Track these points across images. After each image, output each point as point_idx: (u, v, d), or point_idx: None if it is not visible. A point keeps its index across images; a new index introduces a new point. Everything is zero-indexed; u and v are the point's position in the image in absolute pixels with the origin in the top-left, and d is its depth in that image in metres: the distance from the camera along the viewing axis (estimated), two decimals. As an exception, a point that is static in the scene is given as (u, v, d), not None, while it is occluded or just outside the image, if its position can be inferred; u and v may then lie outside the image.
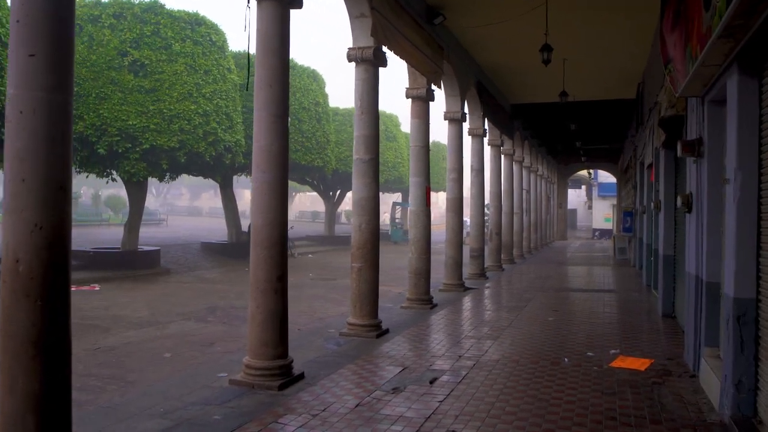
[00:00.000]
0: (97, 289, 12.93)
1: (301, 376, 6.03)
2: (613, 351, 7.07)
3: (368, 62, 8.31)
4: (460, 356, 6.92)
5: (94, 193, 37.38)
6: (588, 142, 25.44)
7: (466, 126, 14.27)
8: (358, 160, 8.34)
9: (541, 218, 29.96)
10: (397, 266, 19.06)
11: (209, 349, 7.95)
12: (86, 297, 11.90)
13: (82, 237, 23.85)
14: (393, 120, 27.27)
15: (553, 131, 25.18)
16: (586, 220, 56.44)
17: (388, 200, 55.25)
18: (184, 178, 59.68)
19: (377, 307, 8.40)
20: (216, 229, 30.71)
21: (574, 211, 56.66)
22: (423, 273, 10.73)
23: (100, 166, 13.50)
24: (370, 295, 8.26)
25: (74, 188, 44.06)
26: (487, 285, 14.22)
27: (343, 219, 48.76)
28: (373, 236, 8.32)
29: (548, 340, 7.78)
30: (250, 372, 5.79)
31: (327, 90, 20.98)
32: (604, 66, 15.26)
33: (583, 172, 44.72)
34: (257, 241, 5.85)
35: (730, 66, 4.75)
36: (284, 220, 5.94)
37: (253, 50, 6.08)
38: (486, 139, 16.45)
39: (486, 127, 15.81)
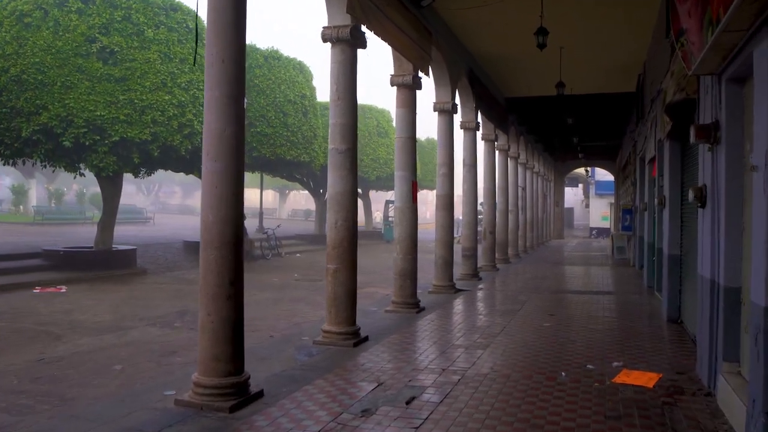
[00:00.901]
0: (63, 291, 12.14)
1: (260, 395, 5.26)
2: (615, 363, 6.30)
3: (345, 42, 7.53)
4: (444, 369, 6.15)
5: (79, 191, 36.56)
6: (585, 138, 24.69)
7: (457, 119, 13.51)
8: (333, 150, 7.56)
9: (537, 217, 29.23)
10: (388, 266, 18.23)
11: (167, 360, 7.16)
12: (49, 300, 11.11)
13: (63, 235, 23.03)
14: (385, 115, 26.53)
15: (550, 127, 24.41)
16: (583, 218, 55.82)
17: (380, 198, 54.51)
18: (177, 176, 58.90)
19: (355, 313, 7.63)
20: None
21: (571, 210, 55.99)
22: (409, 274, 9.96)
23: (66, 160, 12.67)
24: (346, 300, 7.48)
25: (60, 185, 43.35)
26: (479, 286, 13.46)
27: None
28: (350, 234, 7.54)
29: (543, 350, 7.01)
30: (198, 391, 5.01)
31: (315, 84, 20.20)
32: (603, 57, 14.51)
33: (581, 170, 44.04)
34: (207, 240, 5.07)
35: (758, 31, 3.98)
36: (238, 216, 5.16)
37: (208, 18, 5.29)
38: (479, 134, 15.70)
39: (479, 120, 15.05)
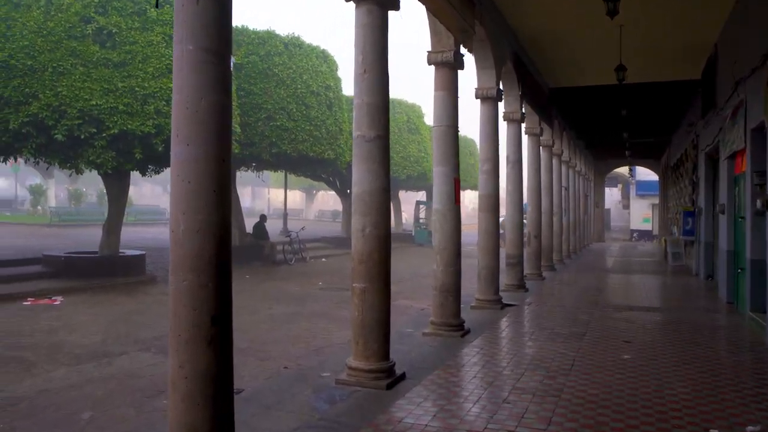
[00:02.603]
0: (57, 303, 10.78)
1: (255, 479, 3.69)
2: (751, 428, 4.57)
3: (372, 0, 5.93)
4: (509, 432, 4.51)
5: (100, 191, 35.62)
6: (635, 134, 22.66)
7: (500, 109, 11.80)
8: (359, 138, 5.96)
9: (579, 219, 27.30)
10: (421, 273, 16.71)
11: (152, 404, 5.65)
12: (37, 315, 9.74)
13: (77, 238, 21.90)
14: (416, 110, 24.83)
15: (596, 121, 22.50)
16: (621, 220, 53.46)
17: (411, 199, 52.75)
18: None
19: (388, 344, 6.02)
20: (226, 229, 28.60)
21: (607, 211, 53.59)
22: (451, 290, 8.32)
23: (60, 156, 11.31)
24: (377, 328, 5.88)
25: (81, 186, 42.59)
26: (528, 300, 11.75)
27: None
28: (382, 244, 5.94)
29: (638, 402, 5.30)
30: (165, 477, 3.47)
31: (340, 75, 18.62)
32: (667, 38, 12.65)
33: (622, 169, 41.79)
34: (178, 259, 3.52)
35: None
36: (223, 223, 3.59)
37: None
38: (523, 126, 13.97)
39: (523, 111, 13.32)
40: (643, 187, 44.34)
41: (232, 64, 3.70)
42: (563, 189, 21.21)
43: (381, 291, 5.91)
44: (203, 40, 3.51)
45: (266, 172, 24.77)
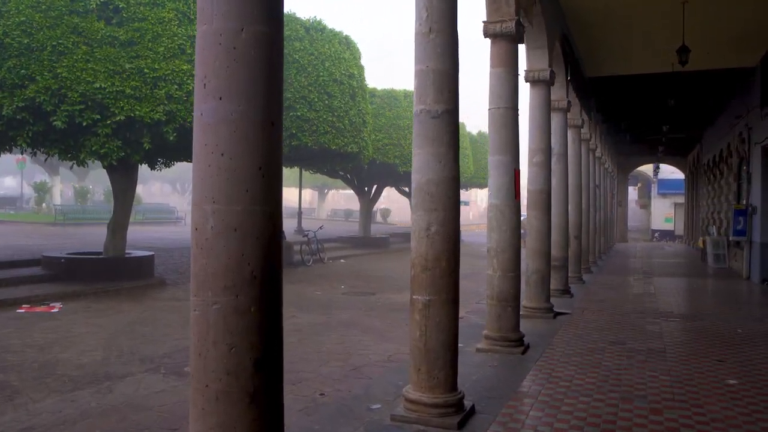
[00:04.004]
0: (56, 310, 9.64)
1: None
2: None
3: (442, -59, 4.73)
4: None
5: (107, 189, 34.50)
6: (674, 128, 21.33)
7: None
8: (422, 113, 4.76)
9: (607, 218, 26.02)
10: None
11: (159, 449, 4.47)
12: (31, 325, 8.60)
13: (81, 238, 20.84)
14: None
15: (633, 114, 21.22)
16: (638, 219, 52.03)
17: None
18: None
19: (456, 372, 4.82)
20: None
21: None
22: (510, 299, 7.12)
23: (60, 145, 10.12)
24: (444, 352, 4.68)
25: (89, 183, 41.51)
26: (576, 305, 10.56)
27: (378, 218, 45.15)
28: (452, 247, 4.73)
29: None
30: None
31: (363, 63, 17.37)
32: (729, 20, 11.40)
33: (645, 167, 40.41)
34: (205, 273, 2.33)
35: None
36: (274, 218, 2.41)
37: None
38: (568, 116, 12.75)
39: (569, 99, 12.11)
40: (666, 186, 42.97)
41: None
42: (596, 187, 19.97)
43: (449, 306, 4.71)
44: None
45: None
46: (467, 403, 4.85)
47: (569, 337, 8.05)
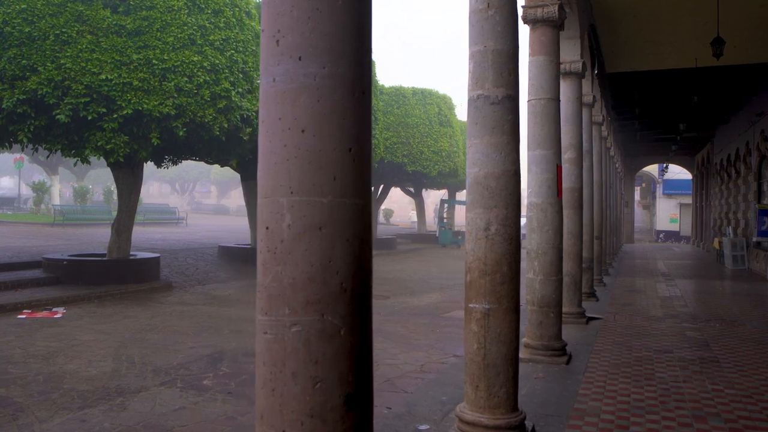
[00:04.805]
0: (59, 316, 9.08)
1: None
2: None
3: None
4: None
5: (106, 188, 33.85)
6: (688, 127, 20.83)
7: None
8: (479, 99, 4.23)
9: (617, 219, 25.56)
10: (460, 278, 14.89)
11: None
12: (34, 332, 8.04)
13: (81, 239, 20.27)
14: (447, 102, 23.01)
15: (645, 113, 20.71)
16: (640, 220, 51.65)
17: (434, 198, 50.82)
18: (213, 174, 56.18)
19: (517, 390, 4.29)
20: (241, 229, 26.92)
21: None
22: (552, 304, 6.61)
23: (63, 141, 9.53)
24: (506, 368, 4.16)
25: (89, 182, 40.90)
26: (607, 311, 10.06)
27: (381, 218, 44.58)
28: (513, 249, 4.21)
29: None
30: None
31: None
32: (763, 10, 10.90)
33: (651, 167, 39.96)
34: (281, 285, 1.80)
35: None
36: (365, 215, 1.88)
37: None
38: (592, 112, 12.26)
39: (593, 94, 11.62)
40: (671, 186, 42.55)
41: None
42: (609, 187, 19.49)
43: (511, 315, 4.19)
44: None
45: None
46: (528, 424, 4.33)
47: (609, 344, 7.54)
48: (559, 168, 6.67)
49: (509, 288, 4.17)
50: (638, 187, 50.86)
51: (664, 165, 36.74)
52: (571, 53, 9.00)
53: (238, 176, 18.17)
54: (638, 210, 52.30)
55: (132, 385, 5.81)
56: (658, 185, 44.49)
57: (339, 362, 1.78)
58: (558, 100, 6.72)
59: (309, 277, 1.76)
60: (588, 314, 9.27)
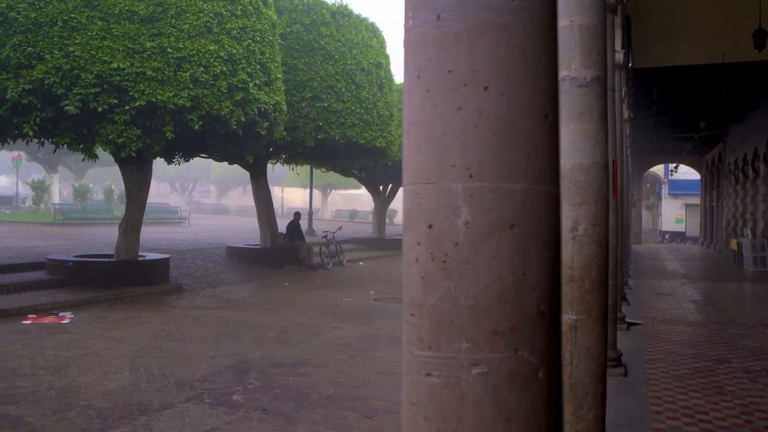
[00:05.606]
0: (67, 321, 8.53)
1: None
2: None
3: None
4: None
5: (107, 187, 33.19)
6: (713, 125, 20.36)
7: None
8: (566, 80, 3.71)
9: (629, 219, 25.10)
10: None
11: None
12: (41, 338, 7.50)
13: (83, 238, 19.70)
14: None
15: (660, 110, 20.26)
16: (643, 221, 51.25)
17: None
18: (212, 173, 55.54)
19: (605, 411, 3.77)
20: (244, 229, 26.35)
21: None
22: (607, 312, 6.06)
23: (72, 134, 8.94)
24: (595, 387, 3.64)
25: (89, 181, 40.27)
26: (644, 315, 9.58)
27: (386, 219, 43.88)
28: (602, 252, 3.69)
29: None
30: None
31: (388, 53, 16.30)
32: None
33: (657, 168, 39.53)
34: (450, 311, 1.26)
35: None
36: (554, 218, 1.34)
37: None
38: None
39: (625, 88, 11.12)
40: (677, 187, 42.19)
41: None
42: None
43: (600, 326, 3.67)
44: None
45: (276, 168, 22.55)
46: (614, 450, 3.81)
47: (660, 353, 7.04)
48: (614, 163, 6.16)
49: (599, 296, 3.65)
50: (642, 188, 50.51)
51: (673, 165, 36.28)
52: (615, 43, 8.48)
53: (237, 176, 17.63)
54: (644, 210, 51.98)
55: (155, 401, 5.27)
56: (663, 186, 44.14)
57: (537, 416, 1.25)
58: (604, 81, 6.21)
59: (498, 295, 1.24)
60: (627, 319, 8.77)
